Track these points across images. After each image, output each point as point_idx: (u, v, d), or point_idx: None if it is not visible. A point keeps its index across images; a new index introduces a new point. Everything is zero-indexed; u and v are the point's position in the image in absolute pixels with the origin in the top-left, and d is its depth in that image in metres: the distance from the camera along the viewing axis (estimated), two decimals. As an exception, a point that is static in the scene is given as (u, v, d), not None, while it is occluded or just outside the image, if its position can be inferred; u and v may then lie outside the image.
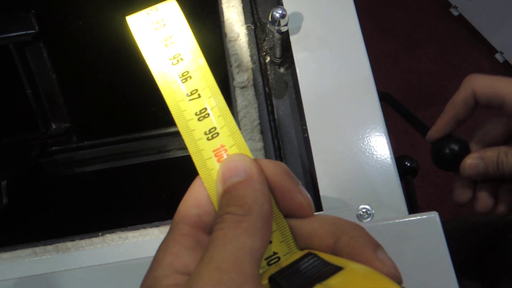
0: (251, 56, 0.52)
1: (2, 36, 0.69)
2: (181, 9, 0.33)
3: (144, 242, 0.46)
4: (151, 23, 0.32)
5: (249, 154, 0.28)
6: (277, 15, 0.46)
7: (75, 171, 0.75)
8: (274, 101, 0.52)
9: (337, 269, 0.22)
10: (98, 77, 0.80)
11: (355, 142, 0.46)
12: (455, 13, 1.95)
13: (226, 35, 0.53)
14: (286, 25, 0.47)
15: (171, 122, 1.04)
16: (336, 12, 0.52)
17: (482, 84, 0.40)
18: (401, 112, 0.57)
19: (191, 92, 0.29)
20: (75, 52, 0.78)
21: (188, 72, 0.30)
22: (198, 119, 0.29)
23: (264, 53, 0.54)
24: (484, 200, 0.41)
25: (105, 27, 0.79)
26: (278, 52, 0.52)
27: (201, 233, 0.26)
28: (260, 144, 0.48)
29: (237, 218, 0.23)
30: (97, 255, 0.45)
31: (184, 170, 0.82)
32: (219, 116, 0.29)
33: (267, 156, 0.48)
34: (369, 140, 0.46)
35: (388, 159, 0.45)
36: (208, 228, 0.26)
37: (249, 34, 0.53)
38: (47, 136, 0.76)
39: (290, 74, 0.53)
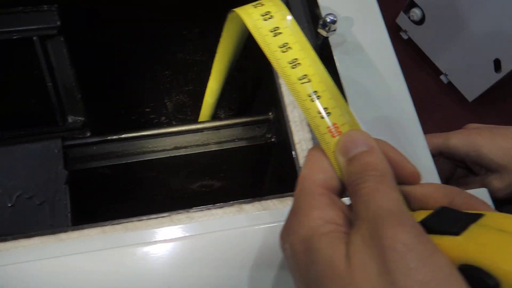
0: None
1: (28, 28, 0.69)
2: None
3: (209, 221, 0.49)
4: (260, 14, 0.37)
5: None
6: (329, 20, 0.52)
7: (91, 165, 0.76)
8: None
9: (479, 215, 0.26)
10: (114, 75, 0.82)
11: (395, 139, 0.53)
12: (405, 37, 2.14)
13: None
14: (335, 30, 0.54)
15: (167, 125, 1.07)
16: (366, 20, 0.59)
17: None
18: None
19: (302, 77, 0.35)
20: (93, 49, 0.79)
21: (296, 59, 0.36)
22: (311, 100, 0.34)
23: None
24: None
25: (124, 28, 0.81)
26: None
27: (331, 194, 0.31)
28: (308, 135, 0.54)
29: (378, 178, 0.28)
30: (166, 233, 0.48)
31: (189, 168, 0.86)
32: (330, 99, 0.34)
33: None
34: (408, 137, 0.53)
35: (427, 153, 0.52)
36: (334, 190, 0.31)
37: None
38: (64, 129, 0.76)
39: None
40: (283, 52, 0.36)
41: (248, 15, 0.37)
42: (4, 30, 0.69)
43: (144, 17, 0.78)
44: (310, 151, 0.34)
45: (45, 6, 0.70)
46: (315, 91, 0.35)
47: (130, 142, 0.78)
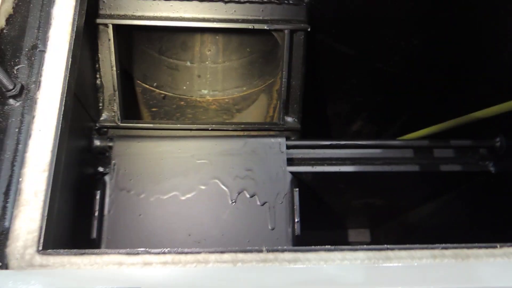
0: None
1: (279, 18, 0.67)
2: None
3: None
4: None
5: None
6: None
7: (305, 169, 0.72)
8: None
9: None
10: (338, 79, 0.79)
11: None
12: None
13: None
14: None
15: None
16: None
17: None
18: None
19: None
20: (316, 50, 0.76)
21: None
22: None
23: None
24: None
25: (350, 33, 0.78)
26: None
27: None
28: None
29: None
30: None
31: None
32: None
33: None
34: None
35: None
36: None
37: None
38: (283, 128, 0.72)
39: None
40: None
41: None
42: (255, 18, 0.65)
43: (380, 27, 0.75)
44: None
45: (294, 1, 0.67)
46: None
47: (345, 150, 0.74)
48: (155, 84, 0.94)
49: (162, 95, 0.96)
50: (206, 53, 1.00)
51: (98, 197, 0.63)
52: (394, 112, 1.09)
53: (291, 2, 0.67)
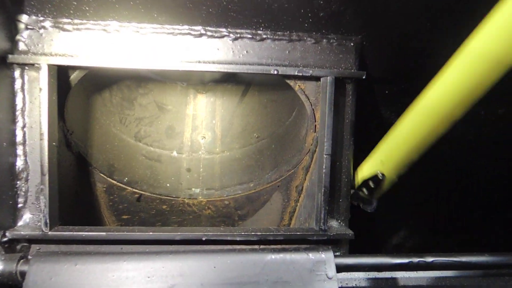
0: None
1: (315, 64, 0.43)
2: None
3: None
4: None
5: None
6: None
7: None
8: None
9: None
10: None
11: None
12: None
13: None
14: None
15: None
16: None
17: None
18: None
19: None
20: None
21: None
22: None
23: None
24: None
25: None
26: None
27: None
28: None
29: None
30: None
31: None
32: None
33: None
34: None
35: None
36: None
37: None
38: (327, 237, 0.44)
39: None
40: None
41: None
42: (278, 62, 0.42)
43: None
44: None
45: (340, 36, 0.44)
46: None
47: (426, 272, 0.45)
48: (126, 179, 0.67)
49: (137, 195, 0.69)
50: (199, 140, 0.75)
51: None
52: (449, 223, 0.82)
53: (333, 41, 0.44)
